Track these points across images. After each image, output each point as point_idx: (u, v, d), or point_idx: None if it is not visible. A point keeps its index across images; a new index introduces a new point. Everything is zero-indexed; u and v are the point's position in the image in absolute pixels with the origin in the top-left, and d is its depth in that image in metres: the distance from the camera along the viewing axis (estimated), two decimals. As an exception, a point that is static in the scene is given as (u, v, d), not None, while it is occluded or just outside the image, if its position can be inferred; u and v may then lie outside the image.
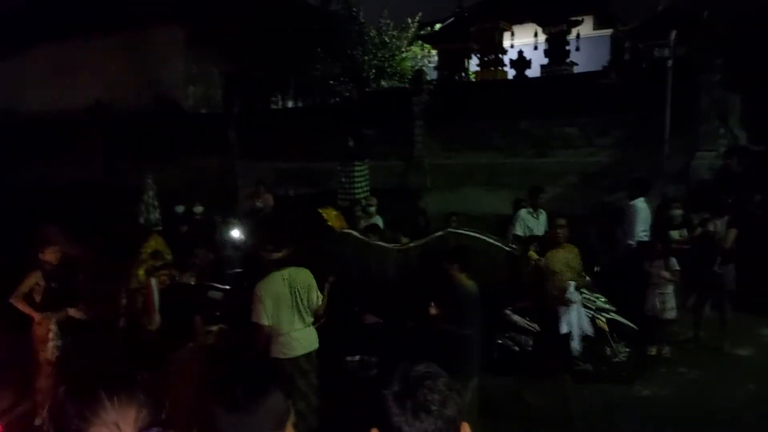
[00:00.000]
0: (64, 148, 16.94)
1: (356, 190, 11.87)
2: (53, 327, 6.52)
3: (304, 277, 5.67)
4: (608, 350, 6.89)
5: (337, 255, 7.52)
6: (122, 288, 7.91)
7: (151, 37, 18.71)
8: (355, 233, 8.09)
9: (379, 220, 9.77)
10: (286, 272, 5.60)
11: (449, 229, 7.66)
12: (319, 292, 5.73)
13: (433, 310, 5.44)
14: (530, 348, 7.06)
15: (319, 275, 5.84)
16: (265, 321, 5.47)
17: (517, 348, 7.18)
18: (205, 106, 19.01)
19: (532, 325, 7.08)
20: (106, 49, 18.91)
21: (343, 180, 12.02)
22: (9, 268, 8.12)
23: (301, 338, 5.61)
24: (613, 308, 6.99)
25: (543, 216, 8.67)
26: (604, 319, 6.80)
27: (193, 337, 5.82)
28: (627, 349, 6.93)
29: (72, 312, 6.70)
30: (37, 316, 6.45)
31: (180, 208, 11.67)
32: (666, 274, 7.45)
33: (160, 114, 17.44)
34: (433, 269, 5.79)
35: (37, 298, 6.49)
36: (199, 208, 11.63)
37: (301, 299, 5.59)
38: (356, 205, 11.14)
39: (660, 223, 8.53)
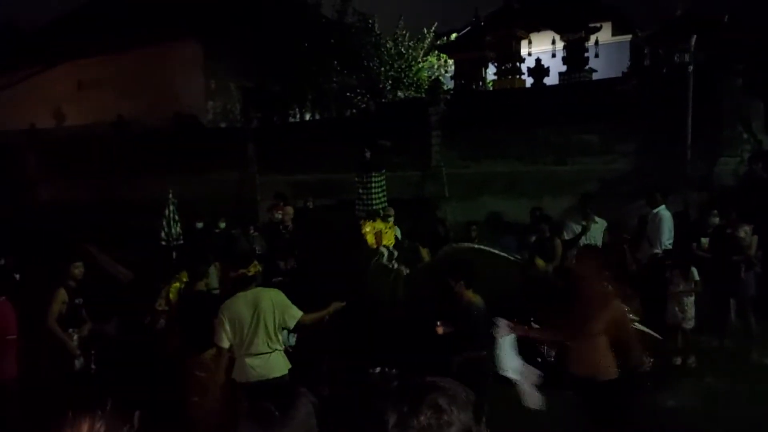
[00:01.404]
0: (86, 164, 17.13)
1: (374, 201, 11.83)
2: (74, 342, 6.55)
3: (271, 298, 5.34)
4: (634, 360, 6.74)
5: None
6: (147, 307, 7.93)
7: (170, 53, 18.95)
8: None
9: (397, 231, 9.72)
10: (251, 293, 5.34)
11: (452, 245, 7.58)
12: (295, 310, 5.37)
13: (440, 330, 5.36)
14: (552, 359, 6.95)
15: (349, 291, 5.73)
16: (224, 343, 5.26)
17: (539, 359, 7.06)
18: (223, 121, 19.16)
19: None
20: (127, 66, 19.16)
21: (361, 191, 11.98)
22: (34, 284, 8.25)
23: (257, 365, 5.26)
24: (637, 318, 6.85)
25: (598, 225, 8.45)
26: (626, 329, 6.66)
27: (213, 342, 5.80)
28: (651, 359, 6.79)
29: (89, 328, 6.74)
30: (69, 343, 6.46)
31: (200, 224, 11.71)
32: (684, 283, 7.33)
33: (180, 129, 17.60)
34: (439, 287, 5.64)
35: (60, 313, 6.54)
36: (222, 224, 11.70)
37: (266, 322, 5.24)
38: (374, 216, 11.12)
39: (689, 230, 8.39)
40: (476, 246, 7.26)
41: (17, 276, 10.55)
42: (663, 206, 8.45)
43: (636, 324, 6.78)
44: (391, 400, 1.59)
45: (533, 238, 8.74)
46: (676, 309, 7.37)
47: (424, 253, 9.01)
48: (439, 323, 5.36)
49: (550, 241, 8.28)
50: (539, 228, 8.74)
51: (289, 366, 5.50)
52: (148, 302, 7.58)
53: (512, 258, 7.12)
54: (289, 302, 5.41)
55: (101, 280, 7.49)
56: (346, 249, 7.91)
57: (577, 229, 8.46)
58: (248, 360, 5.28)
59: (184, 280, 7.66)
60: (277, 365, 5.35)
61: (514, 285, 6.70)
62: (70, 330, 6.52)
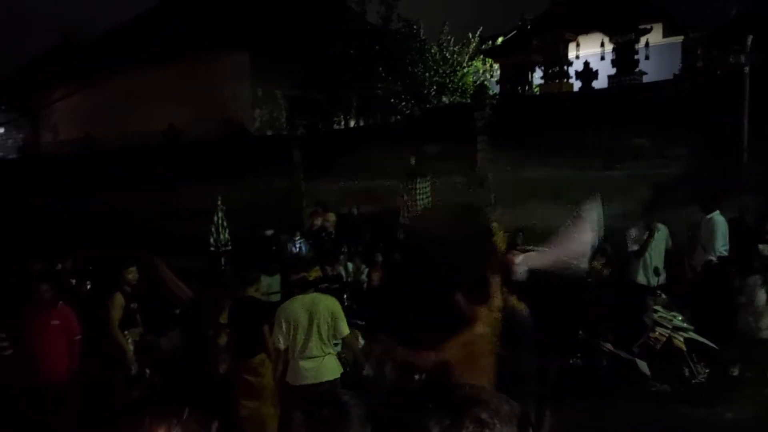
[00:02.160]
0: (138, 172, 17.56)
1: (419, 208, 11.82)
2: (130, 347, 6.68)
3: (327, 304, 5.42)
4: (686, 371, 6.55)
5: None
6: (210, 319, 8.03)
7: (218, 63, 19.32)
8: None
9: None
10: (309, 297, 5.43)
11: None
12: (343, 325, 5.40)
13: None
14: (605, 368, 6.78)
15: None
16: (280, 344, 5.38)
17: (591, 369, 6.90)
18: (270, 128, 19.42)
19: (606, 344, 6.79)
20: (177, 76, 19.61)
21: (406, 197, 12.00)
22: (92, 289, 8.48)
23: (310, 368, 5.34)
24: (691, 327, 6.66)
25: (661, 232, 8.14)
26: (681, 339, 6.47)
27: (262, 347, 5.86)
28: (707, 370, 6.58)
29: (140, 332, 6.87)
30: (129, 350, 6.59)
31: (269, 232, 11.81)
32: (762, 291, 7.06)
33: (228, 137, 17.92)
34: None
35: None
36: (269, 231, 11.84)
37: (320, 327, 5.33)
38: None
39: (746, 236, 8.10)
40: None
41: (73, 281, 10.91)
42: (717, 211, 8.18)
43: (691, 334, 6.60)
44: (434, 413, 1.57)
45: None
46: (750, 319, 7.11)
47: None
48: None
49: (600, 248, 8.09)
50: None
51: (341, 370, 5.57)
52: (210, 315, 7.68)
53: (572, 263, 6.84)
54: (341, 314, 5.48)
55: (160, 293, 7.60)
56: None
57: (640, 236, 8.12)
58: (302, 363, 5.37)
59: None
60: (330, 369, 5.42)
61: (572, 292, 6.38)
62: (125, 332, 6.67)
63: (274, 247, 10.88)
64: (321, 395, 2.02)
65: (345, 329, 5.46)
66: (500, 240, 7.60)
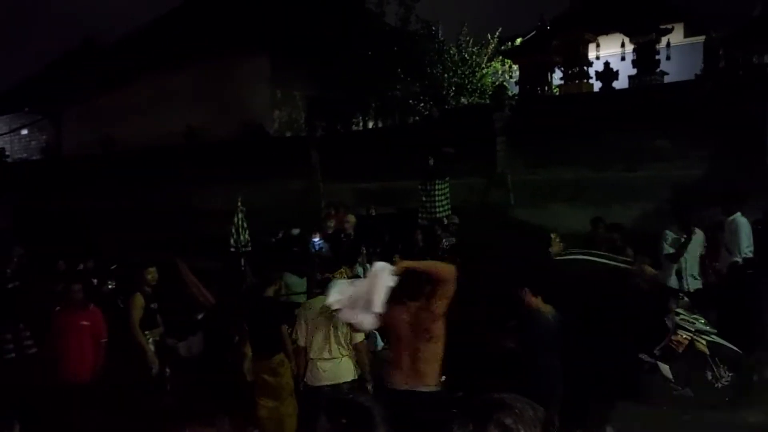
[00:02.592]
0: (158, 173, 17.70)
1: (437, 209, 11.80)
2: (151, 347, 6.72)
3: None
4: (710, 375, 6.46)
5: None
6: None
7: (238, 64, 19.42)
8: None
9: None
10: None
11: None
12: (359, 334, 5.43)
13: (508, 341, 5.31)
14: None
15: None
16: (300, 341, 5.52)
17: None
18: (289, 130, 19.49)
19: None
20: (196, 78, 19.75)
21: (424, 199, 11.99)
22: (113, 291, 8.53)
23: (327, 368, 5.45)
24: (714, 330, 6.57)
25: (697, 236, 7.83)
26: (704, 342, 6.39)
27: (281, 347, 5.90)
28: (730, 374, 6.49)
29: (161, 332, 6.93)
30: (150, 351, 6.63)
31: (296, 231, 11.83)
32: None
33: (247, 138, 18.01)
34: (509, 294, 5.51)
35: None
36: (296, 230, 11.88)
37: (339, 329, 5.42)
38: (437, 224, 11.07)
39: None
40: (590, 256, 6.76)
41: (95, 281, 11.02)
42: (739, 213, 8.06)
43: (714, 337, 6.51)
44: (457, 418, 1.57)
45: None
46: None
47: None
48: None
49: (622, 251, 7.97)
50: (610, 237, 8.44)
51: (359, 373, 5.62)
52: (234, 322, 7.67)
53: (621, 265, 6.63)
54: None
55: (182, 295, 7.63)
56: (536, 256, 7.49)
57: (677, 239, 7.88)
58: (319, 363, 5.47)
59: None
60: (347, 371, 5.51)
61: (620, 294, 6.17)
62: (146, 332, 6.71)
63: (300, 247, 10.90)
64: (342, 400, 2.01)
65: (358, 336, 5.50)
66: (556, 245, 7.53)
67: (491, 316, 6.83)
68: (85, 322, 6.28)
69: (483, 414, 1.54)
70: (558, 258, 7.04)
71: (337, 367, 5.47)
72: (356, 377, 5.60)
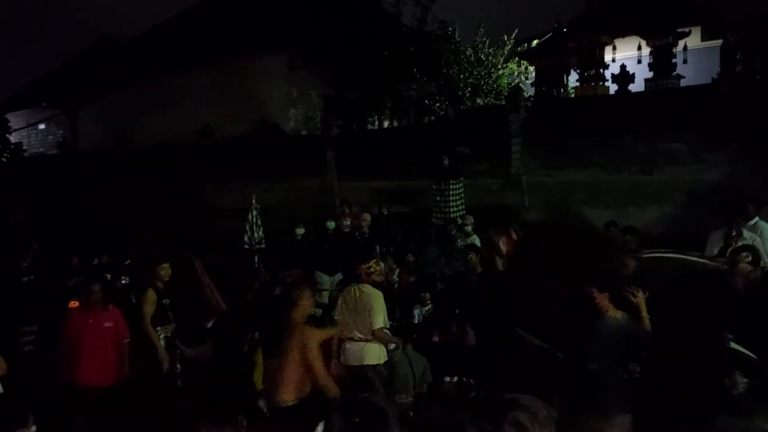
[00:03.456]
0: (173, 170, 17.81)
1: (451, 209, 11.80)
2: (162, 342, 6.71)
3: (371, 294, 6.09)
4: (726, 381, 6.42)
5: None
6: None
7: (255, 63, 19.49)
8: None
9: (476, 240, 9.65)
10: (365, 287, 6.14)
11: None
12: (379, 319, 6.01)
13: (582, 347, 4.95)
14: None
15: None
16: (336, 315, 6.23)
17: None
18: (305, 128, 19.55)
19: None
20: (213, 75, 19.85)
21: (438, 198, 11.99)
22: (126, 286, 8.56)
23: (355, 350, 6.06)
24: (731, 336, 6.52)
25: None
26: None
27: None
28: (746, 380, 6.44)
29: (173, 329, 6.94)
30: (161, 348, 6.60)
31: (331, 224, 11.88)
32: None
33: (263, 136, 18.08)
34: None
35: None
36: (300, 230, 11.95)
37: (361, 314, 6.04)
38: (451, 224, 11.09)
39: None
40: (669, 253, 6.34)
41: (108, 276, 11.11)
42: (757, 218, 7.99)
43: (731, 344, 6.45)
44: (472, 416, 1.59)
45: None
46: None
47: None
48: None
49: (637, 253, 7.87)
50: (626, 240, 8.38)
51: (386, 358, 6.23)
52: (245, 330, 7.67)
53: (712, 264, 6.23)
54: (379, 307, 6.08)
55: (195, 294, 7.64)
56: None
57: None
58: (348, 344, 6.07)
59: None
60: (372, 354, 6.10)
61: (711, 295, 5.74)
62: (158, 329, 6.71)
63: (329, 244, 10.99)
64: (357, 399, 2.03)
65: (377, 323, 6.03)
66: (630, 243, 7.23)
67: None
68: (108, 324, 6.11)
69: (499, 412, 1.57)
70: (639, 256, 6.55)
71: (362, 350, 6.05)
72: (381, 362, 6.17)
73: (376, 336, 6.08)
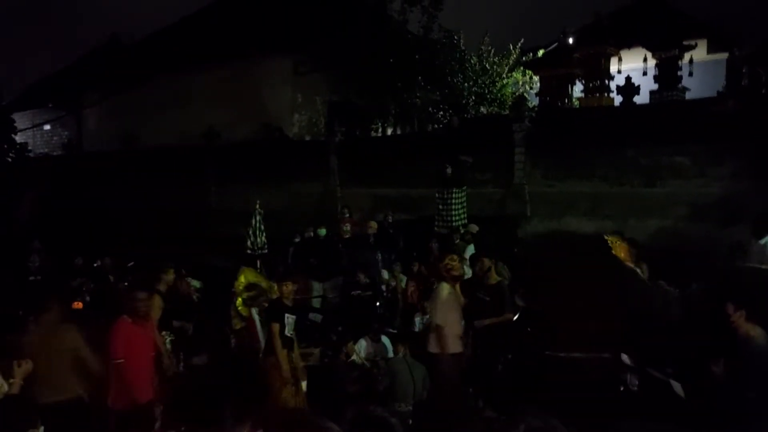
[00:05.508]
0: (177, 173, 17.85)
1: (454, 217, 11.80)
2: (167, 345, 6.78)
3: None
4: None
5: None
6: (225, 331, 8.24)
7: (260, 67, 19.56)
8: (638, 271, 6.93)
9: (471, 248, 9.71)
10: (457, 287, 7.02)
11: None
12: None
13: (716, 368, 4.74)
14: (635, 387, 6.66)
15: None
16: (437, 320, 6.84)
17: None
18: (308, 134, 19.58)
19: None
20: (218, 79, 19.91)
21: (441, 207, 11.99)
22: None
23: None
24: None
25: None
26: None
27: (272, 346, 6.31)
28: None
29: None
30: (166, 353, 6.62)
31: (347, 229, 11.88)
32: None
33: (267, 140, 18.12)
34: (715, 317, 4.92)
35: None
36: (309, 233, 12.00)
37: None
38: (455, 233, 11.10)
39: None
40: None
41: (111, 278, 11.14)
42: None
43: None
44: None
45: None
46: None
47: (505, 272, 8.88)
48: (714, 360, 4.84)
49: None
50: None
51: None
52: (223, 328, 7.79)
53: None
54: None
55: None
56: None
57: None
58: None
59: (242, 280, 8.10)
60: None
61: None
62: (163, 333, 6.75)
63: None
64: (366, 413, 2.04)
65: (433, 319, 7.03)
66: (618, 250, 7.14)
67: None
68: (152, 334, 5.85)
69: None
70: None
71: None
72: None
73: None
